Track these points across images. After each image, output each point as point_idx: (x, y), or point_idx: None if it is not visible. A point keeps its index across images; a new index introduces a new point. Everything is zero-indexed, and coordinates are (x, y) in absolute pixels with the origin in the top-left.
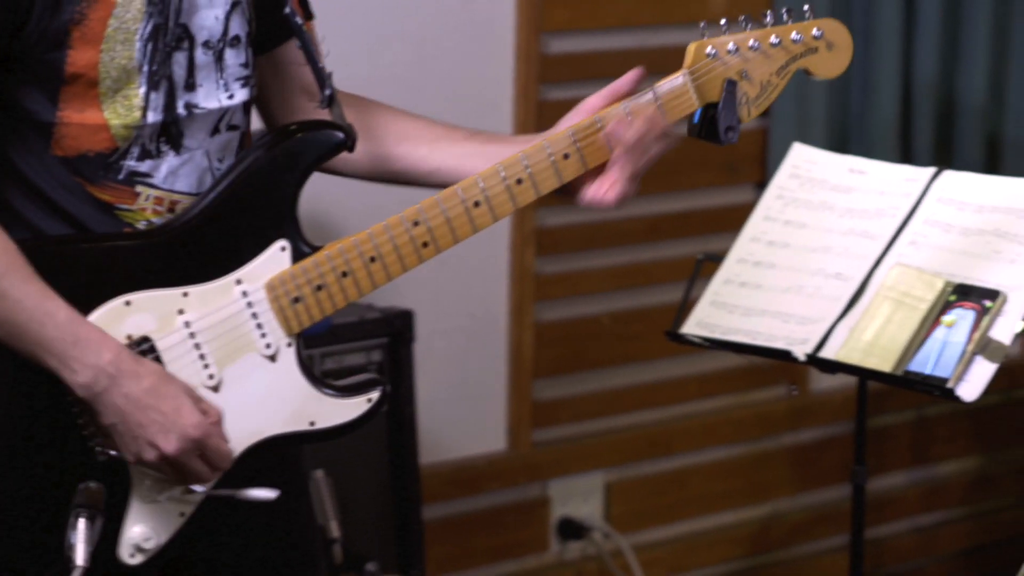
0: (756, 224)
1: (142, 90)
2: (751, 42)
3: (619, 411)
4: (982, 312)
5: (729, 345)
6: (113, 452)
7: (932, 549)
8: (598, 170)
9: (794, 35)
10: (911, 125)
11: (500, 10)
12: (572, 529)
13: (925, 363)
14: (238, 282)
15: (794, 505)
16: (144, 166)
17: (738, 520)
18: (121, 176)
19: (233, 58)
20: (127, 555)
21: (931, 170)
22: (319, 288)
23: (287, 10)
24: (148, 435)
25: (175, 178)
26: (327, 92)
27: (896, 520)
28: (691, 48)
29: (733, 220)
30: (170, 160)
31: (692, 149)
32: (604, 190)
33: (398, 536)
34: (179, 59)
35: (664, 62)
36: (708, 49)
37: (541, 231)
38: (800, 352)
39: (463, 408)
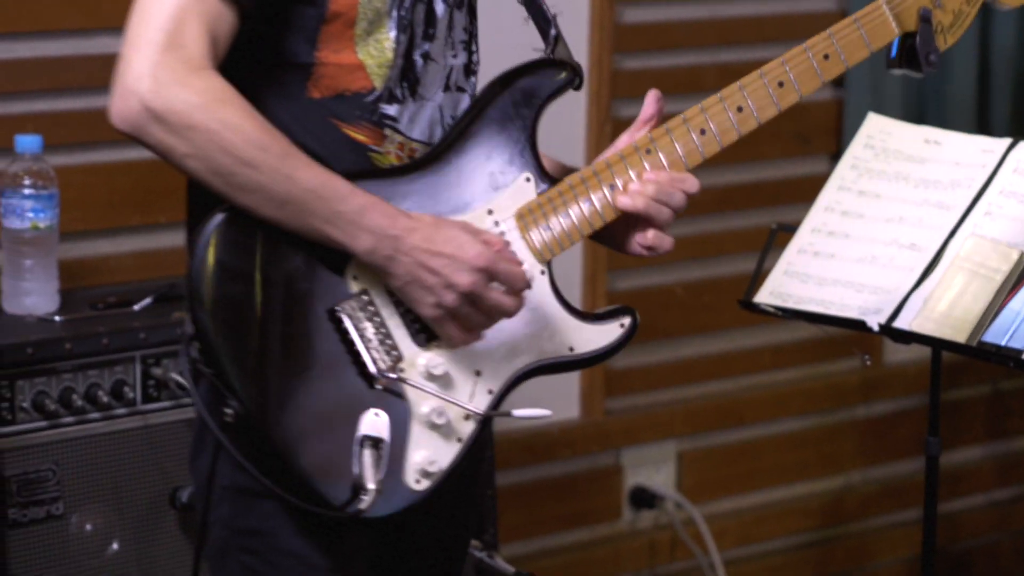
0: (830, 194)
1: (392, 33)
2: None
3: (691, 381)
4: None
5: (802, 314)
6: (390, 375)
7: (1007, 524)
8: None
9: None
10: (988, 97)
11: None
12: (644, 498)
13: (1000, 334)
14: (489, 212)
15: (866, 478)
16: (392, 109)
17: (810, 492)
18: (375, 117)
19: (460, 19)
20: (413, 481)
21: (1007, 141)
22: (563, 216)
23: None
24: (441, 279)
25: (412, 125)
26: (553, 33)
27: (970, 495)
28: None
29: (806, 191)
30: (410, 106)
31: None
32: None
33: None
34: (420, 8)
35: (735, 33)
36: None
37: None
38: (874, 322)
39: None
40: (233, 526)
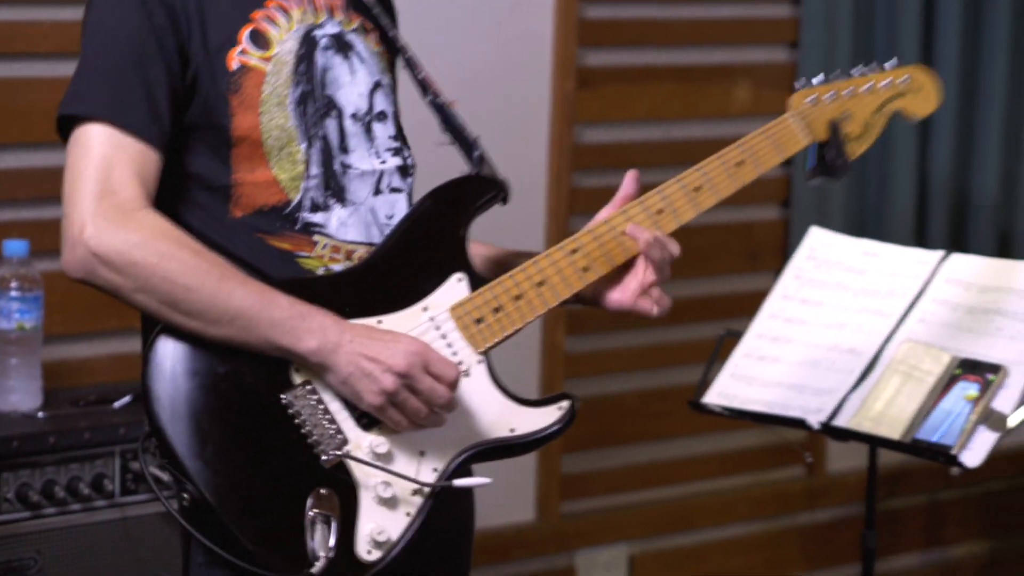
0: (775, 302)
1: (303, 146)
2: (847, 90)
3: (644, 486)
4: (985, 385)
5: (747, 414)
6: (335, 453)
7: None
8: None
9: (884, 82)
10: (926, 219)
11: (537, 103)
12: None
13: (932, 432)
14: (424, 309)
15: None
16: (317, 217)
17: None
18: (298, 226)
19: (381, 130)
20: (364, 552)
21: (940, 253)
22: (496, 310)
23: (430, 96)
24: (379, 365)
25: (346, 228)
26: (476, 154)
27: None
28: (793, 97)
29: (754, 304)
30: (338, 212)
31: (716, 237)
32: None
33: None
34: (331, 125)
35: (690, 153)
36: (808, 98)
37: (571, 311)
38: (815, 420)
39: (494, 479)
40: None
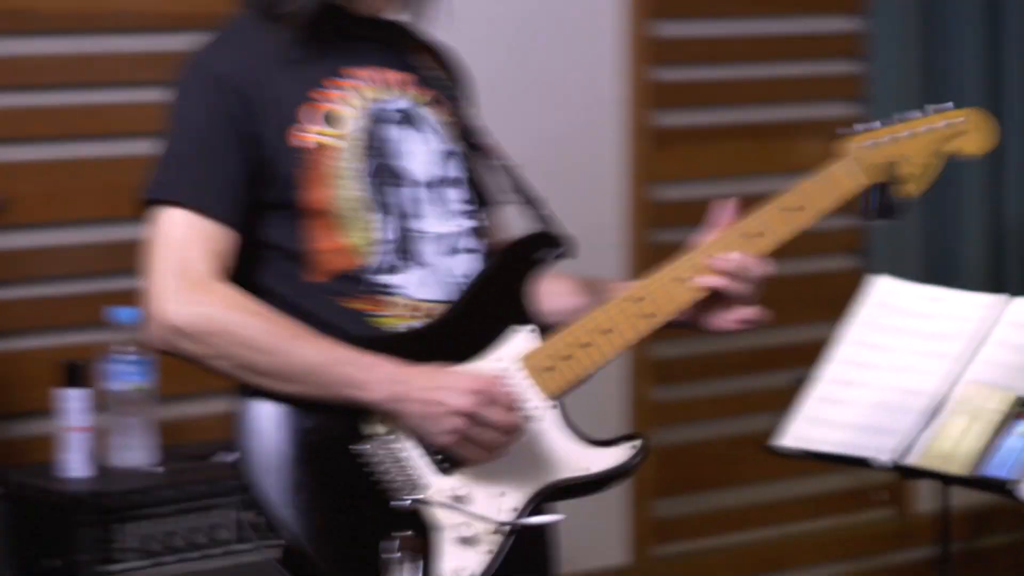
0: (846, 348)
1: (376, 216)
2: (905, 132)
3: (734, 529)
4: None
5: (821, 455)
6: (416, 497)
7: None
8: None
9: (940, 123)
10: (1001, 264)
11: (612, 163)
12: None
13: (996, 467)
14: (498, 360)
15: None
16: (392, 278)
17: None
18: (373, 288)
19: (453, 195)
20: None
21: (1004, 297)
22: (567, 357)
23: (496, 161)
24: (445, 407)
25: (424, 288)
26: (543, 213)
27: None
28: (853, 140)
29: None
30: (416, 272)
31: (794, 288)
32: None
33: None
34: (405, 193)
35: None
36: (867, 141)
37: (657, 362)
38: (885, 459)
39: (588, 523)
40: None
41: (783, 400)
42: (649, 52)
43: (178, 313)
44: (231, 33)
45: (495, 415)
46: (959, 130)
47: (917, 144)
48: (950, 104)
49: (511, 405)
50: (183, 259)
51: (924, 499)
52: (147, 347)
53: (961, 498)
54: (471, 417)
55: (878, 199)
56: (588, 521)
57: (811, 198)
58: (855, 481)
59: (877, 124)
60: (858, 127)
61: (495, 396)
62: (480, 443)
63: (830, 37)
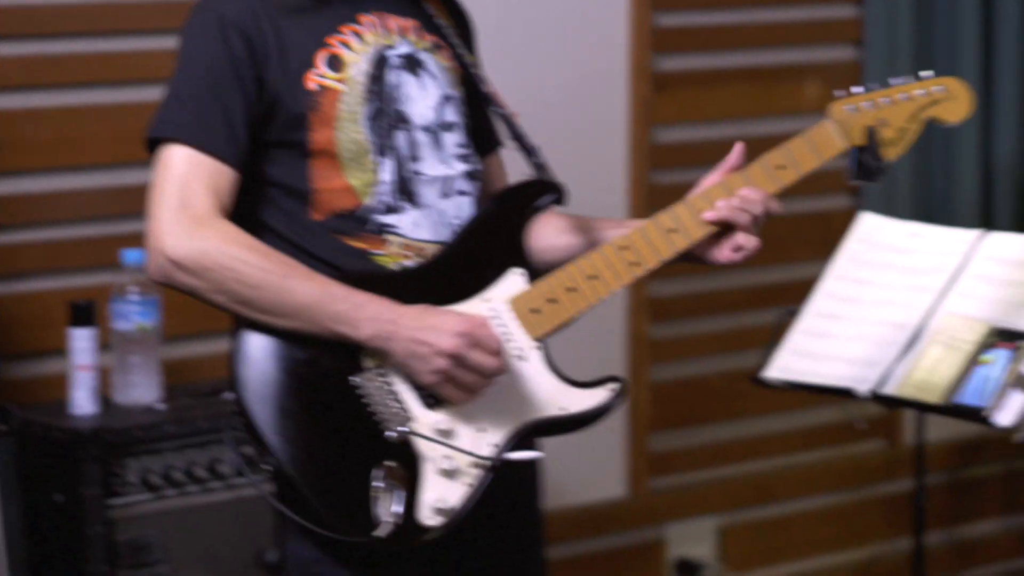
0: (830, 282)
1: (373, 158)
2: (883, 99)
3: (728, 461)
4: (1017, 351)
5: (804, 386)
6: (400, 429)
7: None
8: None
9: (919, 91)
10: (991, 204)
11: (614, 107)
12: (688, 568)
13: (969, 396)
14: (486, 300)
15: (891, 549)
16: (389, 218)
17: (838, 563)
18: (371, 227)
19: (450, 139)
20: (426, 518)
21: (979, 232)
22: (552, 300)
23: (494, 108)
24: (430, 347)
25: (418, 228)
26: (537, 161)
27: (988, 563)
28: (833, 105)
29: None
30: (411, 213)
31: (792, 227)
32: (734, 252)
33: None
34: (401, 136)
35: (762, 149)
36: (847, 106)
37: (654, 300)
38: (864, 389)
39: (586, 459)
40: None
41: (776, 336)
42: None
43: (177, 247)
44: None
45: (478, 358)
46: (937, 98)
47: (896, 110)
48: (931, 72)
49: (495, 349)
50: (184, 195)
51: (914, 431)
52: (148, 280)
53: (948, 429)
54: (455, 358)
55: (858, 162)
56: (586, 455)
57: (795, 158)
58: (846, 414)
59: (860, 89)
60: (839, 93)
61: (480, 339)
62: (461, 384)
63: None
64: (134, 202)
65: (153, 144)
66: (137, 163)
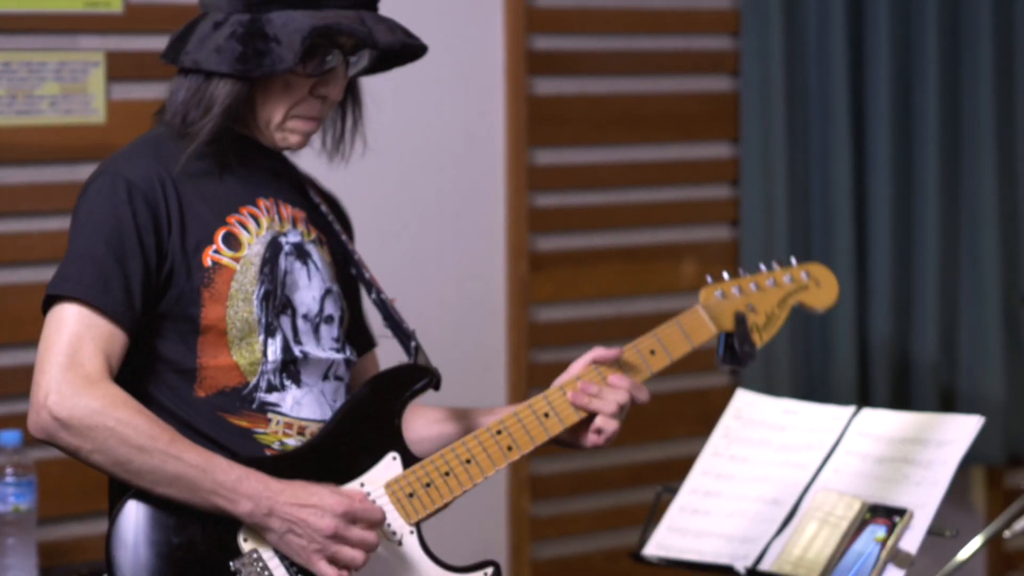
0: (706, 459)
1: (261, 337)
2: (751, 285)
3: None
4: (892, 527)
5: (683, 563)
6: None
7: None
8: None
9: (786, 277)
10: (869, 380)
11: (494, 286)
12: None
13: (846, 572)
14: (361, 485)
15: None
16: (272, 397)
17: None
18: (255, 406)
19: (327, 332)
20: None
21: (852, 408)
22: (427, 485)
23: (373, 295)
24: (309, 527)
25: (300, 407)
26: (413, 345)
27: None
28: (702, 292)
29: None
30: (294, 392)
31: (673, 404)
32: (596, 435)
33: None
34: (285, 321)
35: (639, 327)
36: (716, 292)
37: (535, 478)
38: (741, 566)
39: None
40: None
41: (655, 513)
42: (528, 178)
43: (63, 405)
44: (147, 145)
45: (358, 533)
46: (803, 284)
47: (764, 297)
48: (793, 260)
49: (378, 520)
50: (75, 353)
51: None
52: (23, 461)
53: None
54: (334, 536)
55: (727, 347)
56: None
57: (666, 345)
58: None
59: (726, 276)
60: (709, 279)
61: (358, 513)
62: (339, 561)
63: (705, 163)
64: (10, 383)
65: (49, 303)
66: (12, 344)
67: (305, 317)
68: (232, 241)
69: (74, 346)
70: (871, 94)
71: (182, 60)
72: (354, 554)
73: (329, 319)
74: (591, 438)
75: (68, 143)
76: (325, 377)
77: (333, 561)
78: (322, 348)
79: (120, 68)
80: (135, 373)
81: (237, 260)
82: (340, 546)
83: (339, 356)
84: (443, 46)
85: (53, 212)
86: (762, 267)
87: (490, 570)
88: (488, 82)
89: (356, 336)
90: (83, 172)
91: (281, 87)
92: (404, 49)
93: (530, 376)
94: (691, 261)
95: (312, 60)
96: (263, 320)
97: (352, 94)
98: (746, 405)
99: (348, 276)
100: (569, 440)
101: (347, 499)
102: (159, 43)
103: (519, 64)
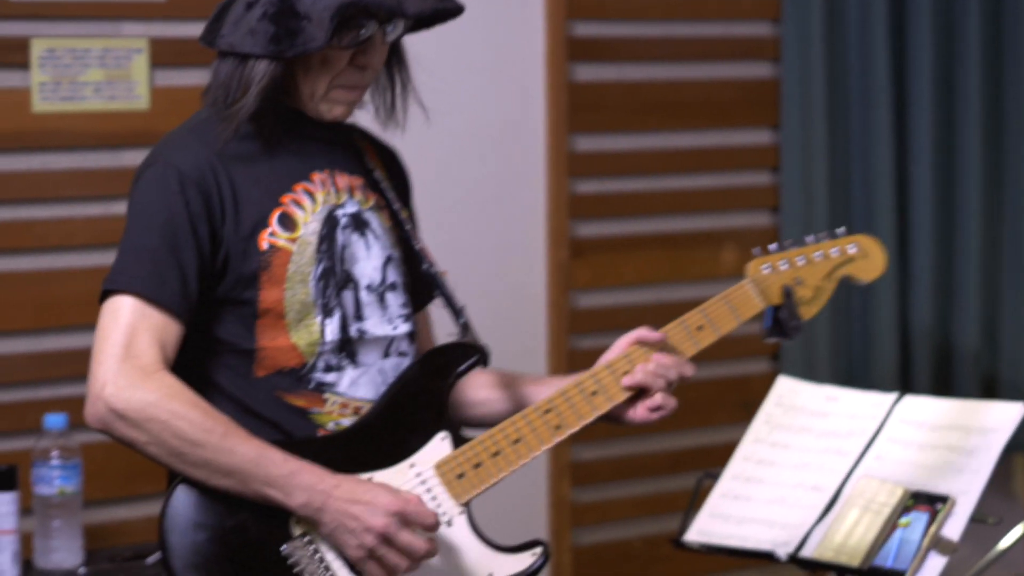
0: (748, 446)
1: (319, 318)
2: (799, 259)
3: None
4: (934, 514)
5: (724, 549)
6: None
7: None
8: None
9: (834, 250)
10: (910, 368)
11: (534, 272)
12: None
13: (887, 558)
14: (412, 466)
15: None
16: (329, 377)
17: None
18: (311, 386)
19: (393, 299)
20: None
21: (894, 395)
22: (477, 465)
23: (425, 266)
24: (361, 523)
25: (356, 387)
26: (462, 321)
27: None
28: (749, 265)
29: None
30: (350, 372)
31: (712, 391)
32: (651, 413)
33: None
34: (348, 296)
35: (679, 313)
36: (764, 266)
37: (575, 464)
38: (783, 553)
39: None
40: None
41: (696, 500)
42: (568, 165)
43: (119, 397)
44: (195, 130)
45: (404, 539)
46: (851, 256)
47: (812, 269)
48: (843, 229)
49: (430, 524)
50: (131, 344)
51: None
52: (70, 444)
53: None
54: (384, 536)
55: (774, 320)
56: None
57: (713, 320)
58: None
59: (774, 248)
60: (756, 251)
61: (411, 516)
62: (385, 563)
63: (745, 150)
64: (55, 367)
65: (104, 295)
66: (58, 329)
67: (369, 288)
68: (287, 221)
69: (129, 337)
70: (912, 80)
71: (218, 43)
72: (398, 560)
73: (393, 286)
74: (643, 414)
75: (112, 129)
76: (386, 354)
77: (380, 563)
78: (388, 318)
79: (163, 54)
80: (194, 356)
81: (293, 241)
82: (388, 550)
83: (402, 330)
84: (484, 33)
85: (97, 198)
86: (808, 239)
87: (539, 550)
88: (528, 69)
89: (412, 294)
90: (126, 158)
91: (319, 62)
92: (436, 14)
93: (570, 362)
94: (731, 247)
95: (346, 33)
96: (320, 301)
97: (397, 58)
98: (788, 392)
99: (407, 238)
100: (618, 416)
101: (401, 499)
102: (201, 30)
103: (560, 51)
